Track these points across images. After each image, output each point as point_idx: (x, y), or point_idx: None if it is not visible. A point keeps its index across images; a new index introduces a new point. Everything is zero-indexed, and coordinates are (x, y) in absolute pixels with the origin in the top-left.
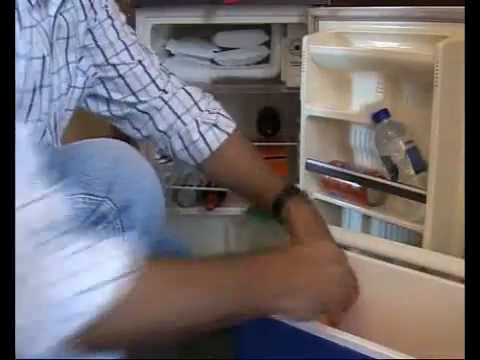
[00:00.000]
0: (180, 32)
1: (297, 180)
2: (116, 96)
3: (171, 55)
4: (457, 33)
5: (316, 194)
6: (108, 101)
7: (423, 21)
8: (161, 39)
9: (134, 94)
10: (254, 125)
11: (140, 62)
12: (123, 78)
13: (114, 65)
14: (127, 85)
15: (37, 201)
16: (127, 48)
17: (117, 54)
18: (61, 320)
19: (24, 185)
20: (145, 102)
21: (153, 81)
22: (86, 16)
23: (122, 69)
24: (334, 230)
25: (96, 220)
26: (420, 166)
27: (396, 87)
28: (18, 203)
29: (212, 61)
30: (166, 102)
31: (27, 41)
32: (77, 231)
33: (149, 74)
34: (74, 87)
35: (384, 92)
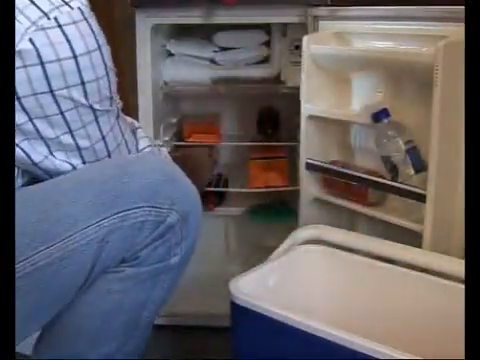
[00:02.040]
0: (180, 32)
1: (297, 180)
2: None
3: (171, 55)
4: (457, 33)
5: (316, 194)
6: None
7: (423, 21)
8: (161, 39)
9: None
10: (254, 125)
11: None
12: None
13: None
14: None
15: None
16: None
17: None
18: None
19: None
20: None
21: None
22: None
23: None
24: (334, 231)
25: (164, 231)
26: (420, 166)
27: (396, 87)
28: None
29: (212, 61)
30: None
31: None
32: None
33: None
34: None
35: (384, 92)
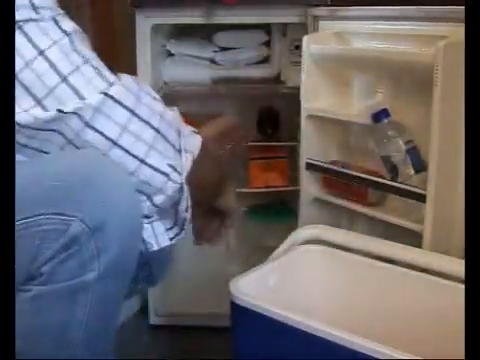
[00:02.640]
0: (180, 32)
1: (297, 180)
2: None
3: (171, 55)
4: (457, 33)
5: (316, 194)
6: None
7: (423, 21)
8: (161, 39)
9: None
10: (254, 125)
11: None
12: None
13: None
14: None
15: None
16: None
17: None
18: None
19: None
20: None
21: None
22: None
23: None
24: (334, 231)
25: (68, 242)
26: (420, 166)
27: (396, 87)
28: None
29: (212, 61)
30: None
31: None
32: None
33: None
34: None
35: (384, 92)
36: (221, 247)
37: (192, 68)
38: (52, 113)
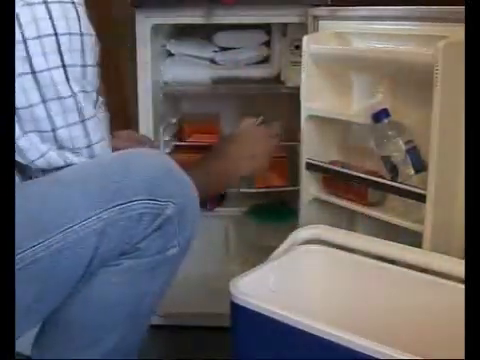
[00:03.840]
0: (180, 32)
1: (297, 180)
2: None
3: (171, 55)
4: (457, 33)
5: (316, 194)
6: None
7: (423, 21)
8: (161, 39)
9: None
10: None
11: None
12: None
13: None
14: None
15: None
16: None
17: None
18: None
19: None
20: None
21: None
22: None
23: None
24: (334, 231)
25: (162, 223)
26: (420, 166)
27: (396, 87)
28: None
29: (212, 61)
30: None
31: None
32: None
33: None
34: None
35: (384, 92)
36: (221, 247)
37: (192, 68)
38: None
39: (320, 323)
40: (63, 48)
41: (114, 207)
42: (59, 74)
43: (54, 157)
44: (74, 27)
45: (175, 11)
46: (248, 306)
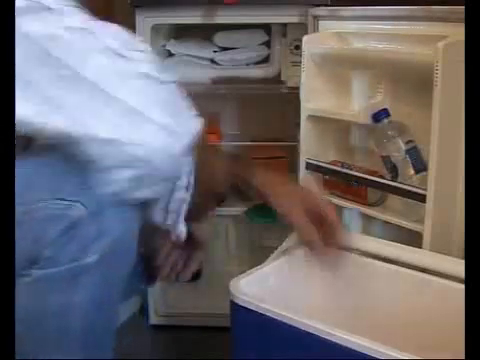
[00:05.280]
0: (180, 32)
1: (297, 180)
2: None
3: (171, 55)
4: (457, 33)
5: None
6: None
7: (423, 21)
8: (161, 39)
9: None
10: (254, 125)
11: None
12: None
13: None
14: None
15: None
16: None
17: None
18: None
19: None
20: None
21: None
22: None
23: None
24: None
25: (68, 226)
26: (420, 166)
27: (396, 87)
28: None
29: (212, 61)
30: None
31: None
32: None
33: None
34: None
35: (384, 92)
36: (221, 247)
37: (192, 68)
38: None
39: (320, 323)
40: None
41: (19, 207)
42: None
43: None
44: None
45: (175, 11)
46: (248, 306)
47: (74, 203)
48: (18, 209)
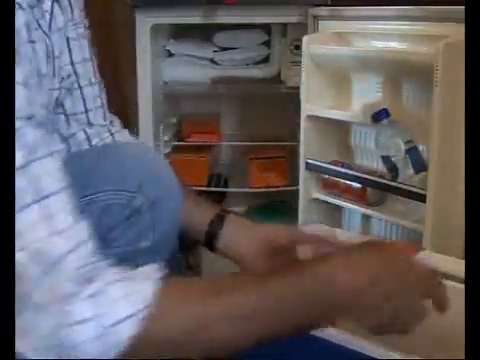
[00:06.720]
0: (180, 32)
1: (297, 180)
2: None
3: (171, 55)
4: (457, 33)
5: (316, 194)
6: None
7: (423, 21)
8: (161, 39)
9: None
10: (254, 125)
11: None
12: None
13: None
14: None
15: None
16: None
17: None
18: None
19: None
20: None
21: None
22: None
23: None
24: (334, 230)
25: (129, 214)
26: (420, 166)
27: (396, 87)
28: None
29: (212, 61)
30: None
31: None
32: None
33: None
34: None
35: (384, 92)
36: None
37: (192, 68)
38: None
39: None
40: None
41: (82, 198)
42: None
43: None
44: None
45: (175, 11)
46: None
47: (136, 194)
48: (82, 199)
